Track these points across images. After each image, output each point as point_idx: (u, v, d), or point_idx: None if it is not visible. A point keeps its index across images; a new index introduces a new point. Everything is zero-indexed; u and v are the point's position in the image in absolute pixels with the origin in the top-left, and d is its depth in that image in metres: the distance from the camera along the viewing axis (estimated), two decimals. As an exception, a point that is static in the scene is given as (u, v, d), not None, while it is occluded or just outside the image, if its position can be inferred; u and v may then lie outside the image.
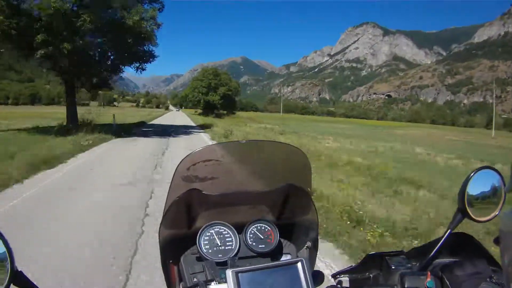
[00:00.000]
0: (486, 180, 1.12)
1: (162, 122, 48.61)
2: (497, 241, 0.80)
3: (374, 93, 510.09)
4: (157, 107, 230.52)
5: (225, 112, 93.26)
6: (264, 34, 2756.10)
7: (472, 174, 1.09)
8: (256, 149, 1.44)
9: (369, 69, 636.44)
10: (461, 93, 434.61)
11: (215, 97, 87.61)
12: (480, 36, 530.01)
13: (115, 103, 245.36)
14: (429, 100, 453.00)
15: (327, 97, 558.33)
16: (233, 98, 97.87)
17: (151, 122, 48.14)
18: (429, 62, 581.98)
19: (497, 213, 1.10)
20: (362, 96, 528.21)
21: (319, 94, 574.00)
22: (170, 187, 1.24)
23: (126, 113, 77.54)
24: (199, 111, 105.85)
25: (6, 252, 0.80)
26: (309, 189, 1.40)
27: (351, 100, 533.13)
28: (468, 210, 1.08)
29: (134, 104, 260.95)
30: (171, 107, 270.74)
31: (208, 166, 1.28)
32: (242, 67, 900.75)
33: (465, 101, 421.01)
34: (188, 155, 1.23)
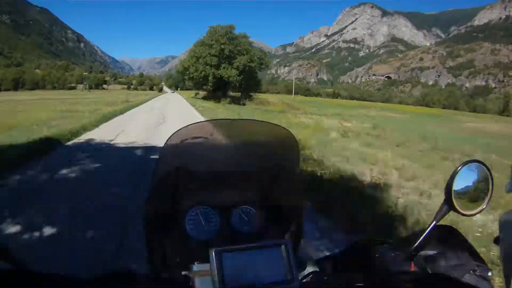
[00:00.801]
0: (474, 173, 1.10)
1: (129, 126, 18.99)
2: (497, 241, 0.81)
3: (374, 75, 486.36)
4: (151, 89, 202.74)
5: (239, 94, 62.66)
6: (259, 14, 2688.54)
7: (460, 167, 1.06)
8: (245, 128, 1.42)
9: (367, 50, 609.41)
10: (463, 76, 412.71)
11: (231, 71, 56.16)
12: (480, 19, 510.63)
13: (105, 86, 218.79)
14: (430, 83, 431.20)
15: (325, 78, 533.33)
16: (256, 74, 65.00)
17: (89, 133, 15.31)
18: (428, 44, 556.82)
19: (484, 207, 1.09)
20: (361, 77, 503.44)
21: (317, 75, 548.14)
22: (156, 164, 1.21)
23: (93, 100, 48.33)
24: (202, 93, 75.01)
25: None
26: (296, 172, 1.38)
27: (349, 81, 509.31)
28: (455, 203, 1.05)
29: (126, 86, 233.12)
30: (165, 88, 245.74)
31: (196, 143, 1.25)
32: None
33: (467, 85, 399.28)
34: (176, 132, 1.18)
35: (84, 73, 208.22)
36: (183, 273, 1.02)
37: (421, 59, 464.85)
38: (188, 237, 1.24)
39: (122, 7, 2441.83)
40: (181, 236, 1.27)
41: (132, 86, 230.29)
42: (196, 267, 1.01)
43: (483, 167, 1.10)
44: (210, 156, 1.33)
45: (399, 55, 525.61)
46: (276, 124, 1.32)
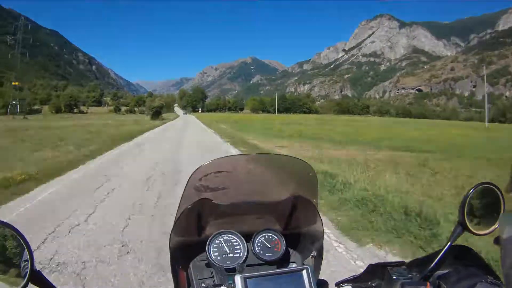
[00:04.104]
0: (486, 195, 1.09)
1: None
2: (497, 241, 0.78)
3: (403, 88, 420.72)
4: (156, 114, 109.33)
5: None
6: (273, 34, 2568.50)
7: (472, 189, 1.06)
8: (264, 162, 1.39)
9: (388, 63, 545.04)
10: (500, 84, 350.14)
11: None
12: (504, 24, 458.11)
13: (83, 108, 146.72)
14: (466, 94, 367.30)
15: (350, 94, 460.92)
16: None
17: None
18: (449, 54, 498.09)
19: (496, 226, 1.06)
20: (390, 91, 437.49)
21: (341, 91, 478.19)
22: (182, 196, 1.18)
23: None
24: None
25: (27, 251, 0.75)
26: (314, 200, 1.35)
27: (377, 96, 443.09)
28: (468, 223, 1.05)
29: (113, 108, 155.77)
30: (177, 110, 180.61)
31: (218, 177, 1.22)
32: (252, 67, 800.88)
33: (507, 94, 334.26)
34: (200, 167, 1.17)
35: (14, 83, 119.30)
36: None
37: (453, 69, 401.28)
38: (213, 264, 1.21)
39: (135, 29, 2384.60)
40: (206, 263, 1.25)
41: (124, 108, 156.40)
42: None
43: (494, 188, 1.09)
44: (233, 189, 1.28)
45: (425, 66, 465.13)
46: (296, 157, 1.33)
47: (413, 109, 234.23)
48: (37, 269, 0.79)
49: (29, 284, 0.79)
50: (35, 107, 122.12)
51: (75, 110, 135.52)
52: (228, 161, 1.29)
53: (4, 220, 0.79)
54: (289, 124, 53.77)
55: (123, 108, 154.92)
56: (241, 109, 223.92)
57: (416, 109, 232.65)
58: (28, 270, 0.78)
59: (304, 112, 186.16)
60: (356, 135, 31.62)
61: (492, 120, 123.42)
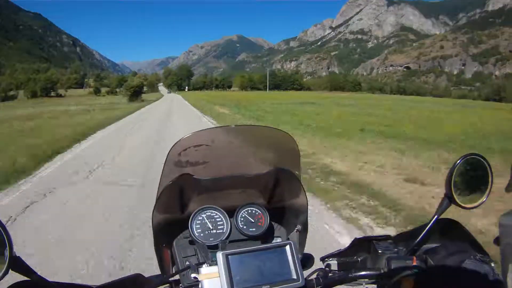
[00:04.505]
0: (474, 167, 1.05)
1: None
2: (496, 241, 0.76)
3: (391, 65, 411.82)
4: (135, 94, 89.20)
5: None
6: (259, 11, 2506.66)
7: (459, 160, 1.02)
8: (245, 134, 1.34)
9: (375, 41, 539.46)
10: (489, 64, 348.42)
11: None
12: (494, 4, 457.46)
13: (61, 91, 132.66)
14: (455, 72, 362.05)
15: (337, 71, 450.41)
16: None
17: None
18: (437, 32, 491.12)
19: (484, 199, 1.04)
20: (377, 68, 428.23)
21: (328, 68, 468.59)
22: (162, 172, 1.13)
23: None
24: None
25: (5, 238, 0.74)
26: (297, 172, 1.30)
27: (364, 73, 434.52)
28: (455, 196, 1.02)
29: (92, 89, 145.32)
30: (162, 89, 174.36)
31: (198, 151, 1.18)
32: (238, 45, 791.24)
33: (497, 73, 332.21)
34: (179, 141, 1.12)
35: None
36: (192, 276, 0.99)
37: (442, 47, 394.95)
38: (196, 241, 1.18)
39: (119, 9, 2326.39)
40: (190, 240, 1.23)
41: (105, 89, 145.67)
42: (204, 270, 0.98)
43: (482, 160, 1.05)
44: (214, 162, 1.24)
45: (413, 44, 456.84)
46: (276, 128, 1.29)
47: (406, 87, 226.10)
48: (17, 255, 0.77)
49: (10, 271, 0.76)
50: (11, 92, 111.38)
51: (52, 94, 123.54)
52: (208, 134, 1.25)
53: None
54: (301, 104, 43.26)
55: (104, 90, 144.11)
56: (229, 87, 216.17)
57: (409, 87, 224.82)
58: (8, 257, 0.75)
59: (295, 89, 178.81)
60: (427, 127, 20.58)
61: (486, 99, 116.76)
